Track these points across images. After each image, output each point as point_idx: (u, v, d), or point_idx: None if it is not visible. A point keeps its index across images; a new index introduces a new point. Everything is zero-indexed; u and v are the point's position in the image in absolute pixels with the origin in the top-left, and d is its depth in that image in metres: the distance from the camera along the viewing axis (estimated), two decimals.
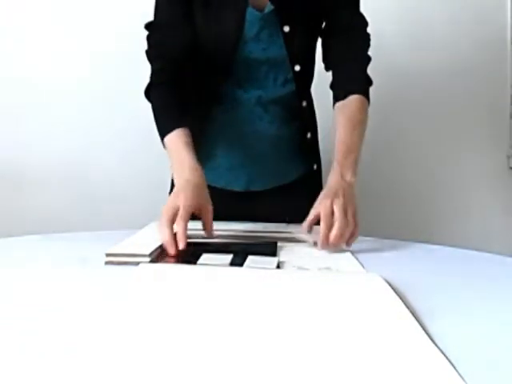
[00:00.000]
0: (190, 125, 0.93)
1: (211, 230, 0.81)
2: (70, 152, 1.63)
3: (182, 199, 0.77)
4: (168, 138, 0.91)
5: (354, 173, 0.87)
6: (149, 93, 1.00)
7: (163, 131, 0.93)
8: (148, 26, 1.00)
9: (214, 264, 0.66)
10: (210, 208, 0.81)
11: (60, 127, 1.63)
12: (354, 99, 0.97)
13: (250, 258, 0.69)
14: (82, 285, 0.58)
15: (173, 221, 0.74)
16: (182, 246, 0.71)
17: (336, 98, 0.99)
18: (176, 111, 0.96)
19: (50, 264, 0.69)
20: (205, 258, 0.70)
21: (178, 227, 0.73)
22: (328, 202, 0.79)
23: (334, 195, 0.80)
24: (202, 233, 0.88)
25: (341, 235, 0.76)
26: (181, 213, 0.75)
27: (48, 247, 0.85)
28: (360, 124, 0.95)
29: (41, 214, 1.60)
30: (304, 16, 0.98)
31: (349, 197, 0.81)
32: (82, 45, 1.60)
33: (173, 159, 0.90)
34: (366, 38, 1.04)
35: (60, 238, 0.93)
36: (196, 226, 0.92)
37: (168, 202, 0.78)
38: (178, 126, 0.91)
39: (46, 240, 0.92)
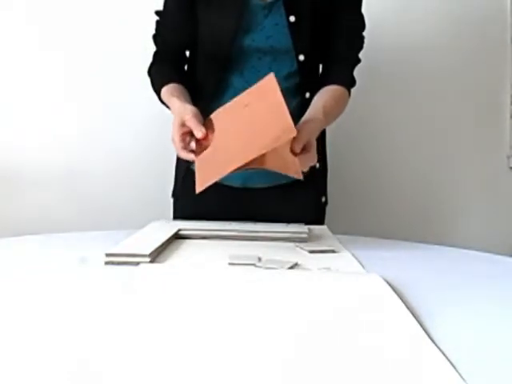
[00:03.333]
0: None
1: (199, 131, 0.85)
2: (69, 152, 1.63)
3: (172, 129, 0.89)
4: (161, 94, 1.04)
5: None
6: (151, 71, 1.10)
7: (157, 89, 1.05)
8: (158, 13, 1.09)
9: (242, 263, 0.68)
10: (188, 117, 0.87)
11: (59, 127, 1.62)
12: (336, 87, 1.04)
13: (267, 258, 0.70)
14: (82, 285, 0.58)
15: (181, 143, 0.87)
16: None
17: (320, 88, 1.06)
18: (168, 73, 1.07)
19: (49, 264, 0.69)
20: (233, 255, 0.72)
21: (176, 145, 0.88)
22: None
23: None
24: (202, 233, 0.89)
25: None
26: (174, 137, 0.88)
27: (48, 247, 0.85)
28: (336, 102, 1.02)
29: (40, 215, 1.60)
30: (310, 7, 1.00)
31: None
32: (81, 46, 1.60)
33: (170, 108, 1.00)
34: (360, 41, 1.09)
35: (60, 238, 0.93)
36: (197, 226, 0.92)
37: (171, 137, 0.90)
38: (168, 83, 1.03)
39: (46, 240, 0.92)
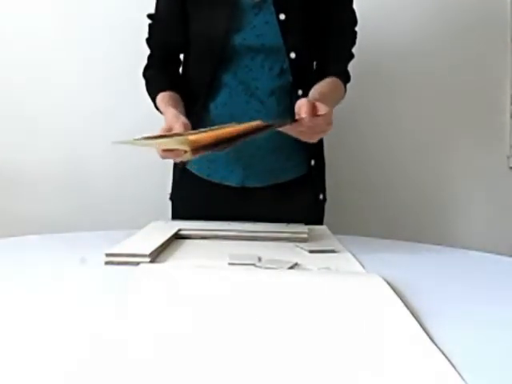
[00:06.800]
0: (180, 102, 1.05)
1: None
2: (69, 152, 1.63)
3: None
4: (156, 100, 1.06)
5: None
6: (145, 74, 1.12)
7: (153, 96, 1.07)
8: (150, 16, 1.10)
9: (242, 263, 0.68)
10: (177, 125, 0.86)
11: (59, 127, 1.62)
12: (330, 77, 1.04)
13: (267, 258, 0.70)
14: (82, 285, 0.58)
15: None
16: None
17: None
18: (164, 80, 1.09)
19: (49, 264, 0.69)
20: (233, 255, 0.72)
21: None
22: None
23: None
24: (202, 233, 0.89)
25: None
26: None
27: (48, 247, 0.85)
28: (330, 88, 1.01)
29: (40, 215, 1.60)
30: (300, 4, 1.00)
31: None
32: (81, 47, 1.60)
33: (164, 115, 1.00)
34: (353, 37, 1.09)
35: (60, 238, 0.93)
36: (197, 226, 0.92)
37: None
38: (163, 90, 1.05)
39: (46, 240, 0.92)
